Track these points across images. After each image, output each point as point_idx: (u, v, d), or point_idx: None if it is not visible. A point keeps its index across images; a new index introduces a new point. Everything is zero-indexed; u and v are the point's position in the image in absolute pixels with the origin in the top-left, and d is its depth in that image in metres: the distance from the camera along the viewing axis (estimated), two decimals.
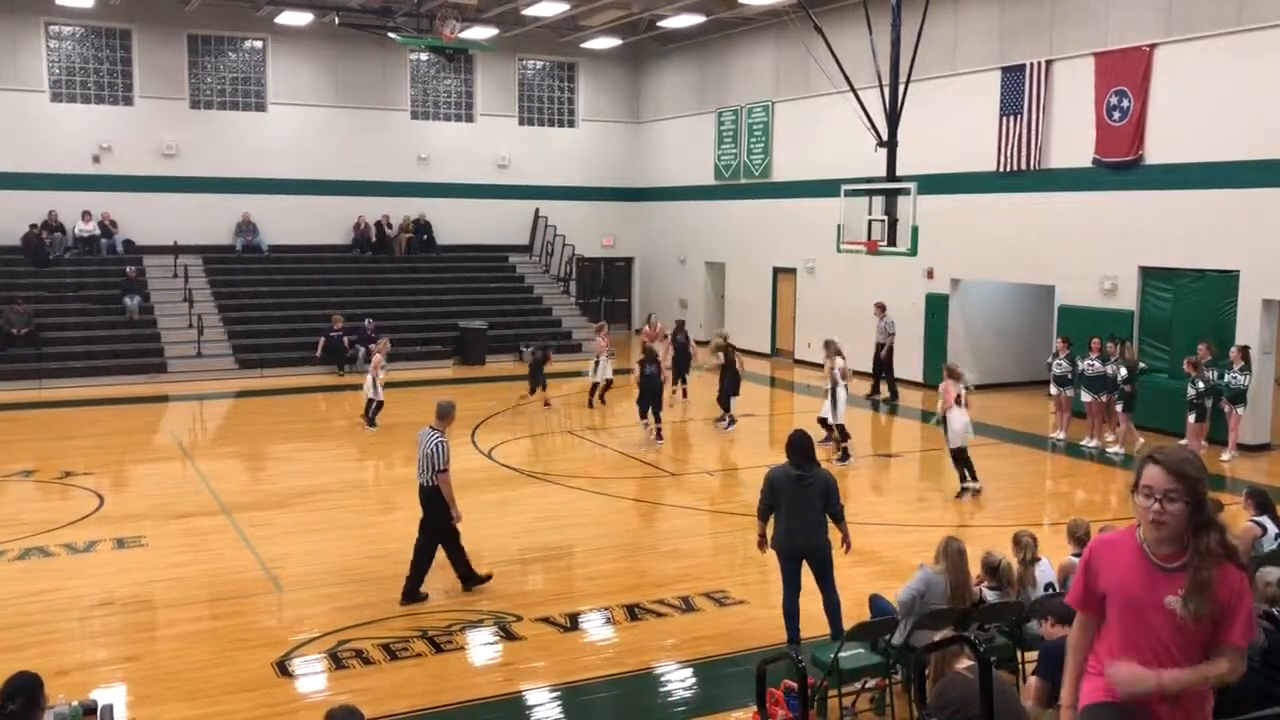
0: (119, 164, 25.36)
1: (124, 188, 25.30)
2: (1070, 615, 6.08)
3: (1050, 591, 7.58)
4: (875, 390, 20.73)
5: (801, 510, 8.08)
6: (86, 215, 24.89)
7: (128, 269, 24.18)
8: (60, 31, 25.14)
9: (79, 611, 9.25)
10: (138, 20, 25.31)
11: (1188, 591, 3.48)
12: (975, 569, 7.56)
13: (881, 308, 20.73)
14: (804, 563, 8.19)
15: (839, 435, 15.22)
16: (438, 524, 9.57)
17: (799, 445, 8.20)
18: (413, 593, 9.42)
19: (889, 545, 11.18)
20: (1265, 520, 8.33)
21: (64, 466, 14.49)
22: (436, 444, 9.57)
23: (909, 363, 22.01)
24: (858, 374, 20.68)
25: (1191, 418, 14.88)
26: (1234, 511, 8.95)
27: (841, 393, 15.21)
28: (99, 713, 5.92)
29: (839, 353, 15.41)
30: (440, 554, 9.62)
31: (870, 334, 20.80)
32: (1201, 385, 14.83)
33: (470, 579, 9.74)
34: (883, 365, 20.63)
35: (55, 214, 24.58)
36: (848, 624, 7.70)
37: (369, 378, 17.35)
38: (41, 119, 24.70)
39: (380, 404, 17.20)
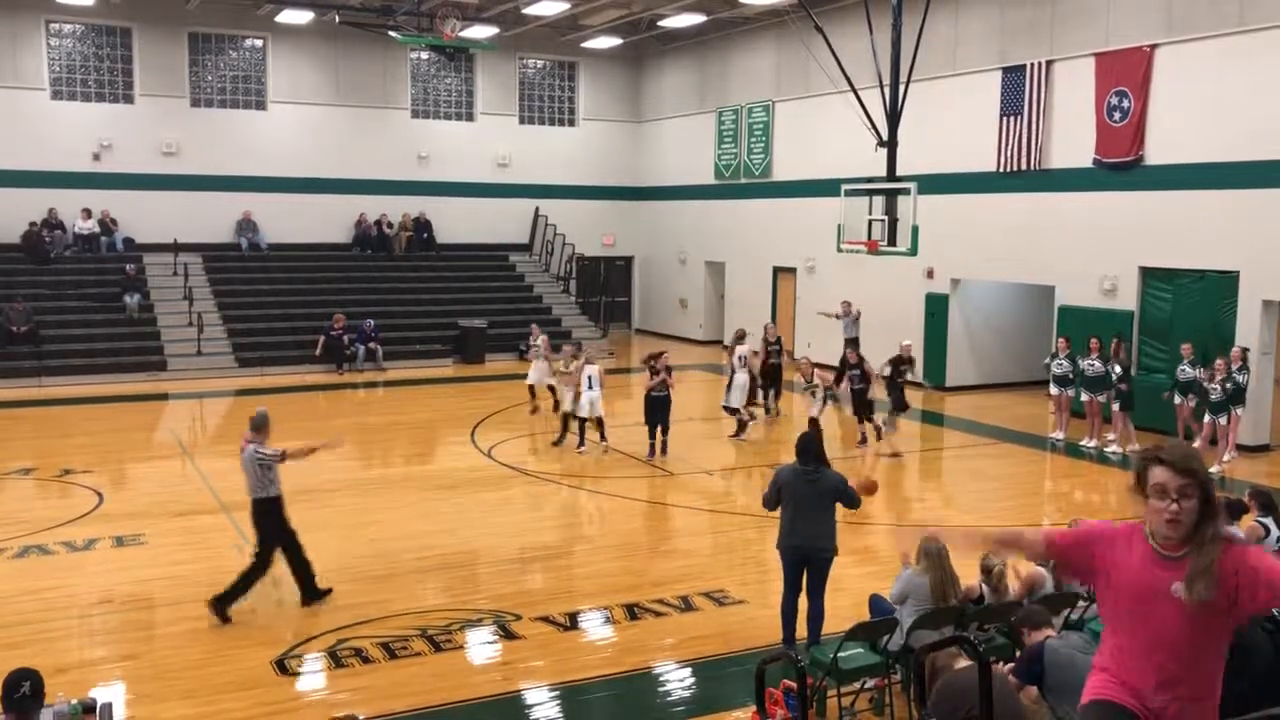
0: (119, 162, 25.34)
1: (124, 185, 25.28)
2: (1045, 623, 6.11)
3: (1089, 589, 7.60)
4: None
5: (808, 508, 8.06)
6: (86, 213, 24.88)
7: (127, 267, 24.17)
8: (61, 29, 25.13)
9: (78, 609, 9.24)
10: (138, 18, 25.31)
11: (1190, 576, 3.51)
12: (963, 569, 7.55)
13: (847, 305, 20.97)
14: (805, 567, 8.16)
15: (732, 414, 16.83)
16: (271, 536, 9.19)
17: (807, 446, 8.24)
18: (312, 591, 9.27)
19: (888, 545, 11.17)
20: (1269, 521, 8.33)
21: (63, 464, 14.48)
22: (251, 458, 9.11)
23: None
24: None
25: (1222, 419, 14.83)
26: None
27: (740, 378, 16.86)
28: (98, 711, 5.92)
29: (740, 341, 17.50)
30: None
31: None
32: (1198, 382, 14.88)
33: (311, 592, 9.31)
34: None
35: (55, 212, 24.58)
36: (847, 624, 7.68)
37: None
38: (42, 116, 24.68)
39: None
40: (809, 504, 8.05)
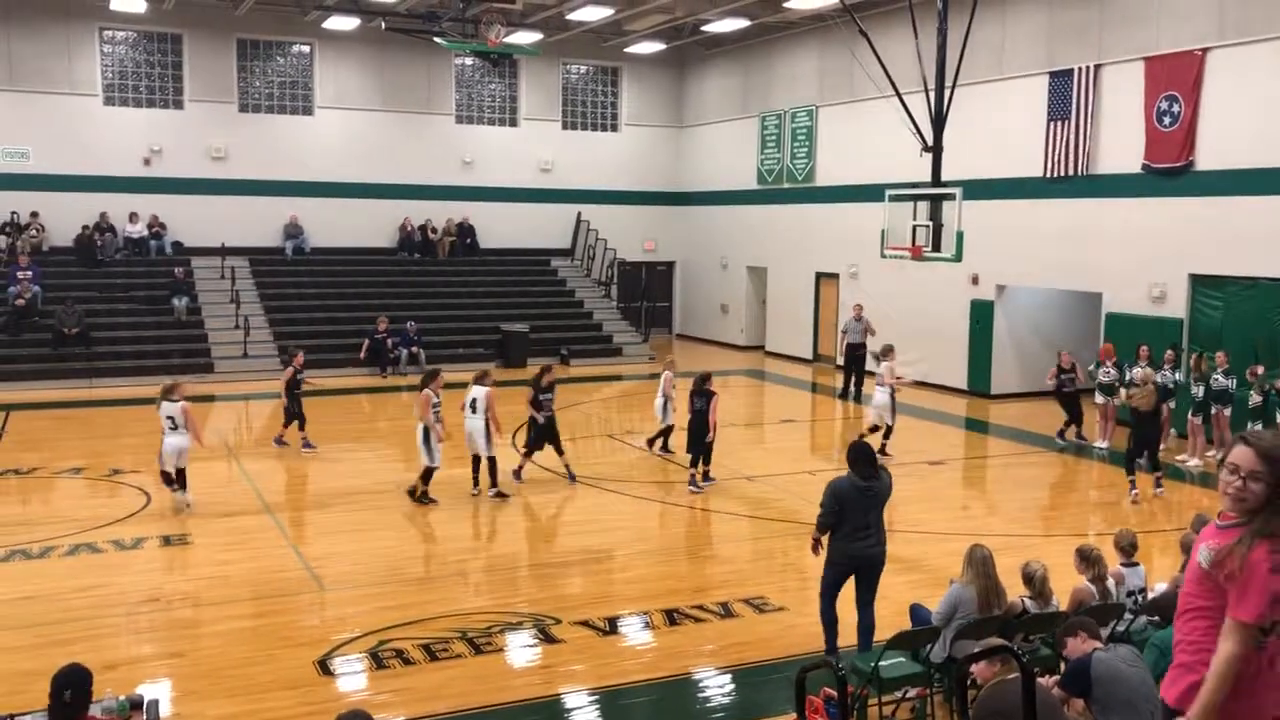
0: (169, 166, 25.75)
1: (173, 190, 25.71)
2: (1093, 634, 5.99)
3: (1135, 600, 7.48)
4: (846, 392, 21.40)
5: (868, 520, 8.00)
6: (134, 217, 25.31)
7: (176, 270, 24.53)
8: (114, 36, 25.59)
9: (126, 607, 9.38)
10: (188, 25, 25.71)
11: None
12: (1007, 578, 7.45)
13: (859, 308, 21.58)
14: (851, 576, 8.11)
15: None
16: None
17: (864, 455, 8.10)
18: None
19: (931, 554, 11.07)
20: None
21: (113, 464, 14.73)
22: None
23: (952, 370, 21.83)
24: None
25: (1259, 425, 14.64)
26: None
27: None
28: (145, 707, 6.00)
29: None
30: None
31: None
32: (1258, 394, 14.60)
33: None
34: (857, 364, 21.16)
35: (107, 215, 25.02)
36: (889, 633, 7.62)
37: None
38: (94, 122, 25.15)
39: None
40: (866, 515, 7.97)
